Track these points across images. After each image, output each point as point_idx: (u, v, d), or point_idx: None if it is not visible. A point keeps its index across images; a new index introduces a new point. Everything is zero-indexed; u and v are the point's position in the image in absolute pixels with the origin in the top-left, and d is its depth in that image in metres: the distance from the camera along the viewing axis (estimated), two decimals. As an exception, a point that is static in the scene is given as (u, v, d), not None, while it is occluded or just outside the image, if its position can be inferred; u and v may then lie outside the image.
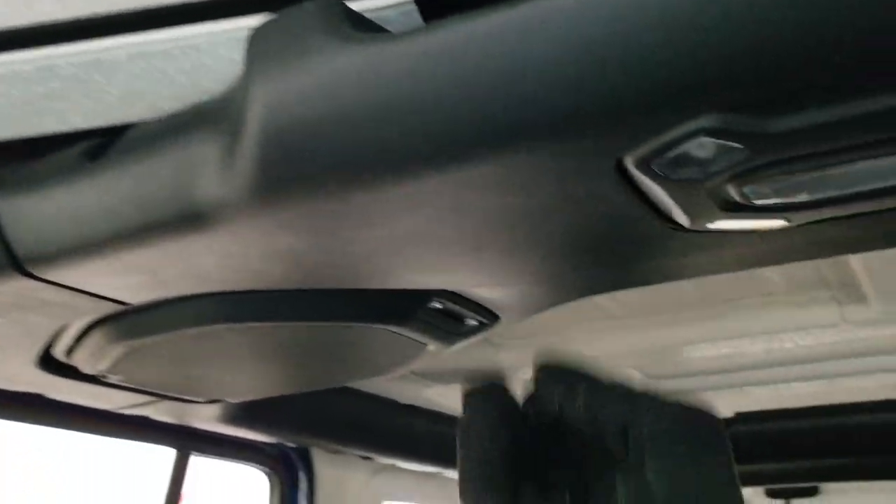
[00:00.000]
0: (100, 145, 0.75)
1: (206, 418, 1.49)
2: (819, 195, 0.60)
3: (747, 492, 2.30)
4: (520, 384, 0.70)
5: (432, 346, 1.02)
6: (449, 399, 1.93)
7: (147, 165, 0.71)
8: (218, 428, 1.57)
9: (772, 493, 2.33)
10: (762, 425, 1.91)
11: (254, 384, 1.24)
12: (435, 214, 0.67)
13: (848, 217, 0.64)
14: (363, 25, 0.60)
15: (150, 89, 0.71)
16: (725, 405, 1.94)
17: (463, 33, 0.55)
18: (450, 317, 0.95)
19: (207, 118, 0.69)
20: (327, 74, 0.59)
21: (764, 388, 1.82)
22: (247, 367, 1.14)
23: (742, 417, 1.93)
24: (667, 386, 1.91)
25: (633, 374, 1.85)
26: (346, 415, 1.74)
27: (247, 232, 0.71)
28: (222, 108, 0.67)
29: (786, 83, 0.50)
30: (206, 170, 0.67)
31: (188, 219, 0.70)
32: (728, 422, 1.91)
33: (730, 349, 1.68)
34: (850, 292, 1.39)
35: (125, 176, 0.72)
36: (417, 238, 0.73)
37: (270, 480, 1.86)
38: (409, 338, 0.98)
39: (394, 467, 2.04)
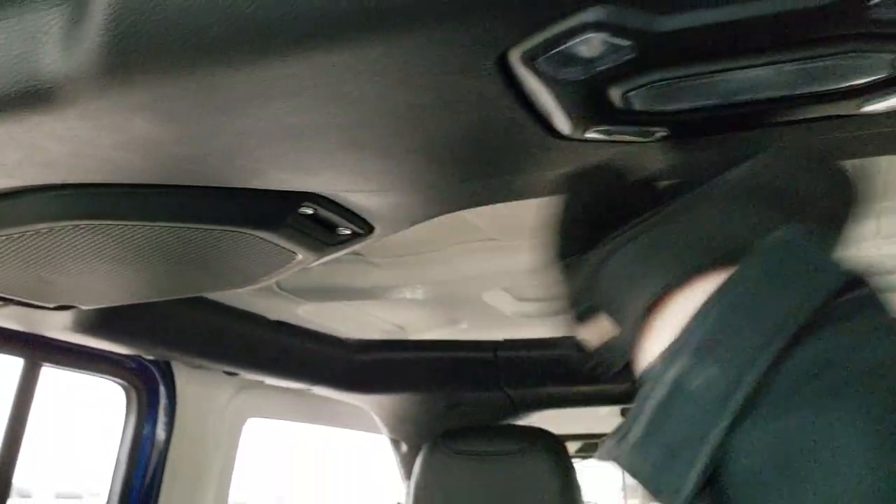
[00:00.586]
0: None
1: (57, 327, 1.41)
2: (701, 103, 0.60)
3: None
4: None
5: (301, 256, 0.99)
6: (321, 317, 1.91)
7: None
8: (72, 338, 1.49)
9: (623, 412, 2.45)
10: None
11: (108, 290, 1.17)
12: (306, 104, 0.63)
13: (724, 130, 0.65)
14: None
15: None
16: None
17: None
18: (322, 224, 0.92)
19: None
20: None
21: None
22: (100, 270, 1.07)
23: None
24: (535, 309, 1.96)
25: (505, 296, 1.88)
26: (211, 328, 1.69)
27: (96, 114, 0.64)
28: None
29: None
30: (48, 39, 0.60)
31: (29, 95, 0.63)
32: None
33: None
34: None
35: None
36: (287, 131, 0.68)
37: (128, 395, 1.78)
38: (278, 245, 0.94)
39: (260, 384, 2.01)
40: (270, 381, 1.93)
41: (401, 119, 0.66)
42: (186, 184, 0.81)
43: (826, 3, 0.48)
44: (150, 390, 1.80)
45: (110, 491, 1.76)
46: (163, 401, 1.82)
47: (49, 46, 0.60)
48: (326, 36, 0.54)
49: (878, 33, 0.52)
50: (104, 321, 1.42)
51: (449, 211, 0.91)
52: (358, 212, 0.92)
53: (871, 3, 0.48)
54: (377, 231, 0.98)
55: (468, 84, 0.60)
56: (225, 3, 0.53)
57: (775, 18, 0.50)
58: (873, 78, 0.57)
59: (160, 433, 1.82)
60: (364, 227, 0.96)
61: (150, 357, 1.74)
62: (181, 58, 0.57)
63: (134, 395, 1.78)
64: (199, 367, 1.80)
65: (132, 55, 0.58)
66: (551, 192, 0.86)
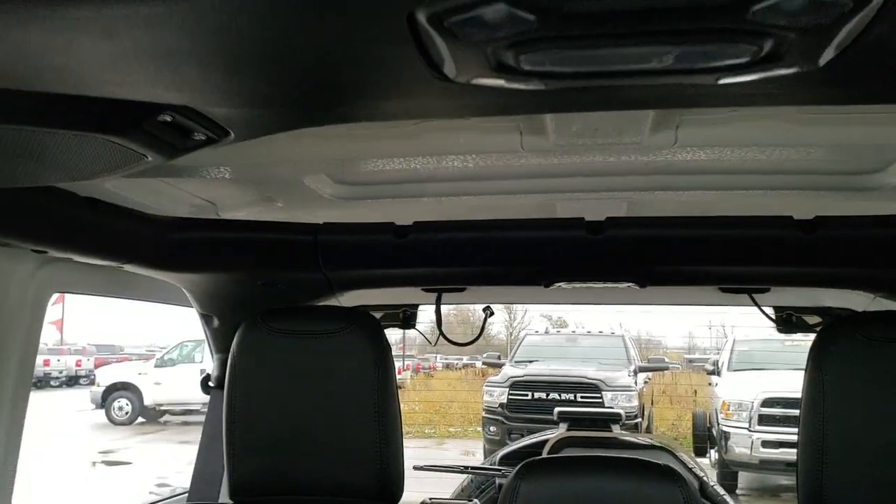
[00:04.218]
0: None
1: None
2: (584, 69, 0.68)
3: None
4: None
5: (151, 158, 0.98)
6: (130, 191, 1.85)
7: None
8: None
9: (427, 290, 2.62)
10: (435, 234, 2.11)
11: None
12: (169, 31, 0.63)
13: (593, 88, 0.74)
14: None
15: None
16: (406, 214, 2.10)
17: None
18: (177, 130, 0.92)
19: None
20: None
21: (440, 199, 2.00)
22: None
23: (419, 226, 2.10)
24: (353, 192, 2.02)
25: (325, 180, 1.92)
26: (17, 205, 1.59)
27: None
28: None
29: None
30: None
31: None
32: (407, 229, 2.08)
33: (417, 164, 1.81)
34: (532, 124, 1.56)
35: None
36: (142, 53, 0.68)
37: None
38: (128, 148, 0.93)
39: (67, 259, 1.93)
40: (80, 258, 1.86)
41: (276, 47, 0.68)
42: (43, 90, 0.78)
43: (717, 4, 0.57)
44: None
45: None
46: (-41, 278, 1.71)
47: None
48: None
49: (749, 30, 0.61)
50: None
51: (310, 126, 0.94)
52: (216, 119, 0.92)
53: (752, 8, 0.57)
54: (231, 137, 0.98)
55: (369, 33, 0.63)
56: None
57: (667, 11, 0.58)
58: (735, 62, 0.68)
59: (-43, 311, 1.73)
60: (219, 133, 0.96)
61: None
62: None
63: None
64: (4, 245, 1.70)
65: None
66: (416, 118, 0.91)
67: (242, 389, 1.87)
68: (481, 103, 0.82)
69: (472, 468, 3.93)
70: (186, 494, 2.43)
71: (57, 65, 0.69)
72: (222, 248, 2.09)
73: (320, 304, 2.37)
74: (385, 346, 1.88)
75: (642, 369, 13.84)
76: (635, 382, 12.78)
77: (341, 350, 1.85)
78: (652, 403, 14.72)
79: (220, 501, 2.10)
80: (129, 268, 1.99)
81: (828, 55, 0.64)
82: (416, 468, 3.42)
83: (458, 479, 3.96)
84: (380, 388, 1.83)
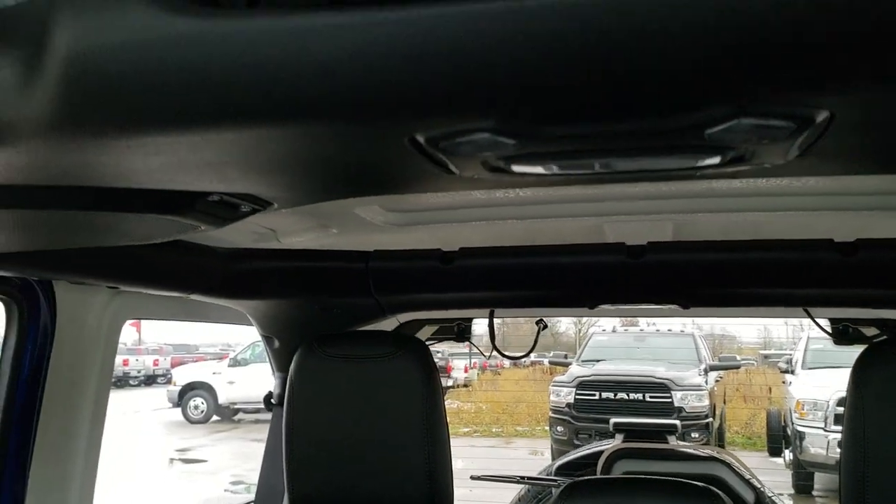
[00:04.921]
0: None
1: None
2: (568, 172, 0.77)
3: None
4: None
5: (204, 227, 1.09)
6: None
7: None
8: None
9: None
10: (480, 259, 2.20)
11: (19, 242, 1.24)
12: (225, 152, 0.74)
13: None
14: None
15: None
16: (453, 239, 2.19)
17: (285, 24, 0.60)
18: (226, 206, 1.03)
19: (7, 27, 0.67)
20: (141, 37, 0.62)
21: (486, 224, 2.08)
22: (18, 230, 1.14)
23: (465, 252, 2.19)
24: (403, 219, 2.12)
25: (376, 208, 2.03)
26: (91, 253, 1.74)
27: (41, 149, 0.73)
28: (17, 26, 0.66)
29: (559, 108, 0.64)
30: (3, 86, 0.67)
31: None
32: (453, 255, 2.17)
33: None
34: None
35: None
36: (191, 163, 0.79)
37: (8, 307, 1.84)
38: (184, 223, 1.05)
39: (134, 291, 2.09)
40: (150, 291, 2.02)
41: (304, 161, 0.78)
42: (108, 185, 0.90)
43: (669, 129, 0.65)
44: (32, 303, 1.85)
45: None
46: (43, 313, 1.88)
47: (6, 95, 0.67)
48: (254, 119, 0.65)
49: (710, 145, 0.69)
50: None
51: (343, 199, 1.05)
52: (259, 196, 1.03)
53: (707, 131, 0.65)
54: (274, 206, 1.09)
55: (378, 148, 0.73)
56: (166, 94, 0.63)
57: (632, 134, 0.66)
58: (707, 163, 0.75)
59: (41, 338, 1.90)
60: (263, 205, 1.07)
61: (34, 277, 1.79)
62: (113, 124, 0.67)
63: (16, 308, 1.83)
64: (80, 283, 1.86)
65: (77, 117, 0.66)
66: (428, 192, 1.01)
67: (299, 409, 1.99)
68: (490, 185, 0.91)
69: (529, 478, 4.00)
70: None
71: (124, 171, 0.81)
72: (281, 275, 2.21)
73: (373, 326, 2.48)
74: (432, 369, 1.97)
75: (713, 368, 13.61)
76: (706, 381, 12.59)
77: (391, 373, 1.95)
78: (724, 402, 14.47)
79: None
80: (194, 297, 2.14)
81: (793, 153, 0.70)
82: (473, 478, 3.51)
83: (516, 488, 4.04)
84: (427, 408, 1.92)
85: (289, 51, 0.58)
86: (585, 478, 2.48)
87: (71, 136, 0.69)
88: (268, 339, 2.52)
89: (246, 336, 19.22)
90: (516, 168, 0.74)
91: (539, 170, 0.75)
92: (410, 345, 2.03)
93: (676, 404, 11.55)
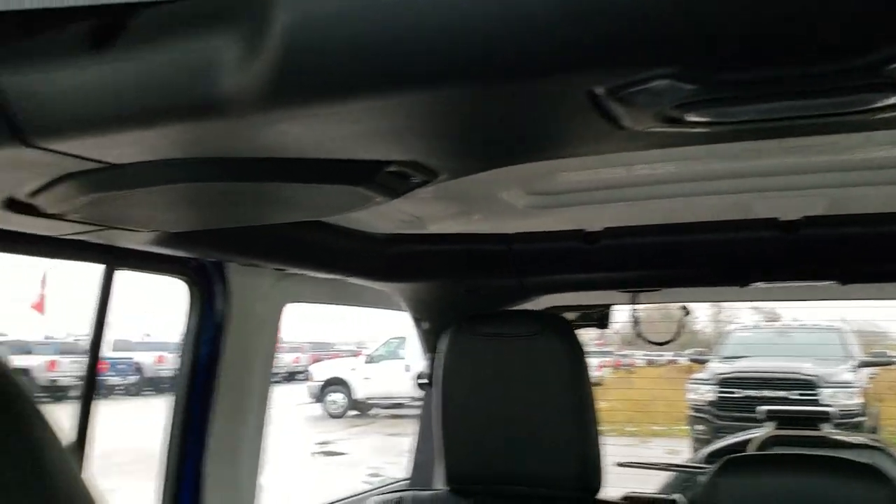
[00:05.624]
0: (105, 29, 0.79)
1: (138, 241, 1.59)
2: (743, 118, 0.79)
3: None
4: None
5: (379, 199, 1.17)
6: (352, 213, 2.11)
7: (159, 56, 0.77)
8: (146, 248, 1.68)
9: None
10: (626, 238, 2.20)
11: (199, 219, 1.36)
12: (408, 117, 0.80)
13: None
14: None
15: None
16: (596, 219, 2.20)
17: None
18: (400, 176, 1.10)
19: (225, 12, 0.74)
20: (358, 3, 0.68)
21: (629, 205, 2.09)
22: (199, 208, 1.25)
23: (610, 231, 2.20)
24: (544, 202, 2.16)
25: (519, 192, 2.07)
26: (262, 232, 1.87)
27: (251, 122, 0.81)
28: (240, 5, 0.74)
29: (738, 52, 0.66)
30: (223, 64, 0.74)
31: (199, 108, 0.79)
32: (598, 234, 2.18)
33: (607, 174, 1.90)
34: None
35: (135, 64, 0.78)
36: (376, 131, 0.86)
37: (190, 290, 2.01)
38: (362, 194, 1.13)
39: (299, 275, 2.23)
40: (312, 274, 2.15)
41: (478, 118, 0.84)
42: (299, 156, 0.99)
43: (844, 69, 0.66)
44: (207, 284, 2.02)
45: (180, 372, 2.02)
46: (218, 291, 2.04)
47: (222, 70, 0.75)
48: (451, 78, 0.71)
49: (887, 83, 0.69)
50: (175, 235, 1.60)
51: (507, 165, 1.10)
52: (430, 166, 1.10)
53: (887, 68, 0.66)
54: (442, 177, 1.16)
55: (556, 105, 0.77)
56: (380, 55, 0.69)
57: (811, 77, 0.68)
58: (881, 104, 0.75)
59: (216, 321, 2.07)
60: (431, 176, 1.14)
61: (209, 259, 1.95)
62: (330, 90, 0.74)
63: (195, 288, 2.00)
64: (250, 265, 2.01)
65: (295, 86, 0.74)
66: (593, 154, 1.04)
67: (450, 387, 2.06)
68: (656, 142, 0.93)
69: (676, 465, 3.94)
70: (408, 482, 2.70)
71: (313, 141, 0.89)
72: (429, 259, 2.30)
73: (517, 307, 2.53)
74: (577, 347, 1.99)
75: (865, 364, 12.87)
76: (857, 378, 11.93)
77: (538, 351, 1.99)
78: (879, 401, 13.64)
79: (436, 488, 2.31)
80: (351, 280, 2.25)
81: None
82: (619, 465, 3.50)
83: (660, 477, 3.99)
84: (575, 385, 1.95)
85: (484, 8, 0.63)
86: (743, 454, 2.43)
87: (280, 108, 0.77)
88: (417, 321, 2.62)
89: (379, 334, 19.75)
90: (690, 117, 0.77)
91: (713, 118, 0.78)
92: (556, 323, 2.06)
93: (825, 402, 11.00)
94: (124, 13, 0.77)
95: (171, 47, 0.76)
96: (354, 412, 18.55)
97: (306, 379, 20.50)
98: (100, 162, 0.99)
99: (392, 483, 2.97)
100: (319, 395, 18.81)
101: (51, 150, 0.91)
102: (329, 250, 2.03)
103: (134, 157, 0.98)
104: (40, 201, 1.16)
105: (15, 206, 1.19)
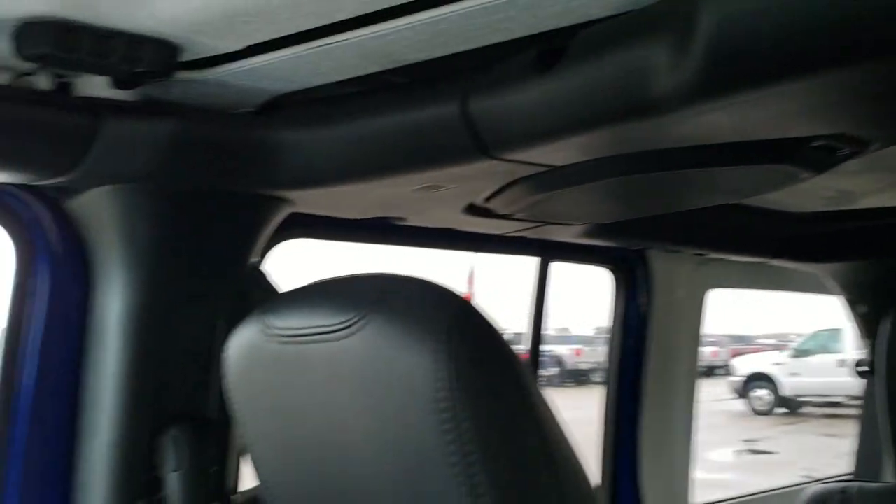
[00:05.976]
0: (549, 53, 0.94)
1: (568, 234, 1.77)
2: None
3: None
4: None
5: (803, 175, 1.17)
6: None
7: (599, 69, 0.89)
8: (575, 241, 1.85)
9: None
10: None
11: (624, 211, 1.48)
12: (835, 92, 0.81)
13: None
14: None
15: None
16: None
17: None
18: (825, 150, 1.09)
19: (654, 22, 0.84)
20: None
21: None
22: (625, 199, 1.37)
23: None
24: None
25: None
26: (681, 219, 1.93)
27: (679, 116, 0.89)
28: (668, 14, 0.83)
29: None
30: (655, 67, 0.84)
31: (634, 111, 0.89)
32: None
33: None
34: None
35: (576, 79, 0.92)
36: (811, 111, 0.88)
37: (615, 278, 2.15)
38: (787, 172, 1.14)
39: (717, 259, 2.24)
40: (732, 258, 2.15)
41: None
42: (727, 141, 1.04)
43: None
44: (630, 272, 2.14)
45: (609, 361, 2.18)
46: (640, 281, 2.15)
47: (655, 74, 0.84)
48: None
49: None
50: (604, 227, 1.74)
51: None
52: (858, 137, 1.07)
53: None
54: (871, 148, 1.12)
55: None
56: (796, 39, 0.73)
57: None
58: None
59: (640, 309, 2.18)
60: (860, 147, 1.10)
61: (632, 248, 2.07)
62: (754, 77, 0.79)
63: (619, 277, 2.14)
64: (671, 251, 2.08)
65: (723, 78, 0.81)
66: None
67: (894, 374, 1.91)
68: None
69: None
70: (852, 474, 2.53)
71: (734, 126, 0.95)
72: (863, 236, 2.14)
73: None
74: None
75: None
76: None
77: None
78: None
79: (884, 481, 2.15)
80: (775, 263, 2.20)
81: None
82: None
83: None
84: None
85: None
86: None
87: (708, 100, 0.84)
88: (852, 305, 2.45)
89: (804, 326, 18.35)
90: None
91: None
92: None
93: None
94: (565, 36, 0.91)
95: (607, 61, 0.88)
96: (782, 410, 17.46)
97: (727, 374, 19.82)
98: (544, 165, 1.15)
99: (840, 476, 2.81)
100: (742, 391, 18.05)
101: (506, 160, 1.09)
102: (750, 232, 2.02)
103: (572, 159, 1.12)
104: (494, 204, 1.37)
105: (473, 210, 1.43)
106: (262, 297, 1.16)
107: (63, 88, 1.06)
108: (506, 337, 0.78)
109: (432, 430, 0.70)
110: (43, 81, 1.02)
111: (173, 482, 1.16)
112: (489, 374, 0.73)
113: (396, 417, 0.74)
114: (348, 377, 0.78)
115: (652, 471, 2.21)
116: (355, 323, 0.76)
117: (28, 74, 1.02)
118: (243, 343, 0.91)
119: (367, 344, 0.75)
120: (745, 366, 18.70)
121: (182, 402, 1.21)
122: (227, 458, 1.25)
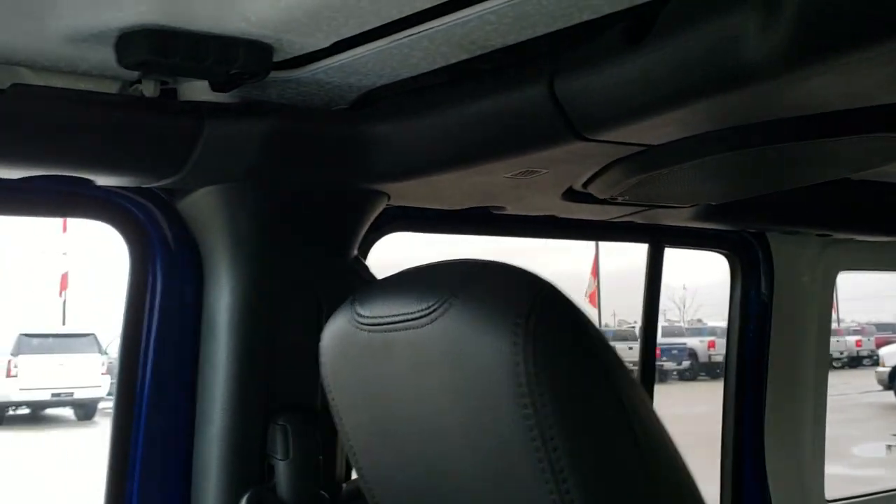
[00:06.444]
0: (636, 27, 0.91)
1: (679, 218, 1.70)
2: None
3: None
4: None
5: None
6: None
7: (689, 39, 0.85)
8: (687, 224, 1.78)
9: None
10: None
11: (735, 190, 1.41)
12: None
13: None
14: None
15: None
16: None
17: None
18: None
19: None
20: None
21: None
22: (734, 177, 1.31)
23: None
24: None
25: None
26: (802, 198, 1.83)
27: (777, 84, 0.84)
28: None
29: None
30: (745, 34, 0.80)
31: (728, 80, 0.85)
32: None
33: None
34: None
35: (666, 51, 0.88)
36: None
37: (731, 263, 2.06)
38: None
39: (847, 240, 2.11)
40: (861, 238, 2.02)
41: None
42: (830, 110, 0.98)
43: None
44: (748, 256, 2.04)
45: (727, 351, 2.08)
46: (761, 264, 2.05)
47: (744, 44, 0.80)
48: None
49: None
50: (718, 209, 1.67)
51: None
52: None
53: None
54: None
55: None
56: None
57: None
58: None
59: (761, 294, 2.07)
60: None
61: (750, 230, 1.98)
62: (849, 38, 0.74)
63: (737, 262, 2.04)
64: (793, 233, 1.97)
65: (813, 44, 0.76)
66: None
67: None
68: None
69: None
70: None
71: (840, 92, 0.89)
72: None
73: None
74: None
75: None
76: None
77: None
78: None
79: None
80: (905, 241, 2.05)
81: None
82: None
83: None
84: None
85: None
86: None
87: (806, 64, 0.79)
88: None
89: (961, 311, 17.05)
90: None
91: None
92: None
93: None
94: (653, 8, 0.88)
95: (696, 30, 0.85)
96: (939, 402, 16.29)
97: (874, 364, 18.73)
98: (641, 145, 1.11)
99: None
100: (889, 383, 16.96)
101: (599, 141, 1.06)
102: (880, 210, 1.89)
103: (671, 137, 1.07)
104: (593, 188, 1.34)
105: (573, 195, 1.40)
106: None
107: (167, 95, 1.12)
108: (595, 324, 0.76)
109: (513, 414, 0.69)
110: (148, 88, 1.08)
111: (282, 470, 1.20)
112: (572, 362, 0.71)
113: (479, 402, 0.74)
114: (433, 363, 0.78)
115: (779, 469, 2.10)
116: (437, 309, 0.76)
117: (135, 83, 1.08)
118: (335, 333, 0.93)
119: (448, 330, 0.75)
120: (892, 355, 17.58)
121: (290, 393, 1.25)
122: (336, 447, 1.28)
